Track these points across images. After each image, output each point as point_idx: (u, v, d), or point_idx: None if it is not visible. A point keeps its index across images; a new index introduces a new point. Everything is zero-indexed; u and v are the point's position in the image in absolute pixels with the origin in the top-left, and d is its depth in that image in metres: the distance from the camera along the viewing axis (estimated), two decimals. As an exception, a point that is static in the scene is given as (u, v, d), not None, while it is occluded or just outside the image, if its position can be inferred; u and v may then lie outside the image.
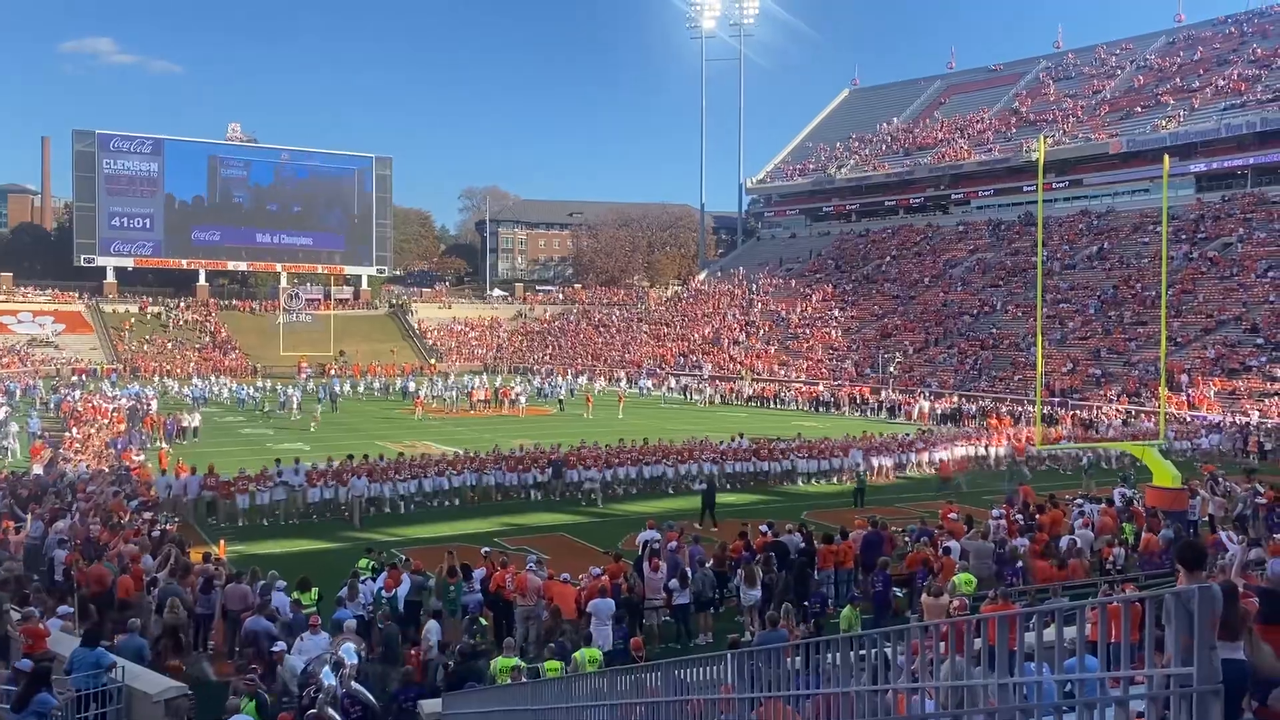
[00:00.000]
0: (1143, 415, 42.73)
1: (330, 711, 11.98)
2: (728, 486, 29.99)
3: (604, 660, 12.14)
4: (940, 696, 4.84)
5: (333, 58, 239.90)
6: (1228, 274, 57.37)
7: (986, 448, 35.54)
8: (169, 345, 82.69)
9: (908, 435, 36.39)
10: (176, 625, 14.57)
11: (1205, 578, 5.94)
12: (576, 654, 12.50)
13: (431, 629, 13.62)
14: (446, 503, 27.68)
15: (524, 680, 11.23)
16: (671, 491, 29.52)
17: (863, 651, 5.61)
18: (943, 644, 5.40)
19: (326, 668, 12.99)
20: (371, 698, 11.80)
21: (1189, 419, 41.98)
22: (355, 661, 12.98)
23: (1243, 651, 6.46)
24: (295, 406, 51.53)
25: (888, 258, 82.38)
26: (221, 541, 22.05)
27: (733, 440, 33.12)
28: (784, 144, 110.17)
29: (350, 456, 28.15)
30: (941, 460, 33.04)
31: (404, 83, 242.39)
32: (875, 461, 32.28)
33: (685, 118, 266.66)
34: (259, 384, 62.17)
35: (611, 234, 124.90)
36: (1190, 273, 58.78)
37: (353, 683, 12.26)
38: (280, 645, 13.10)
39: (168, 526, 21.06)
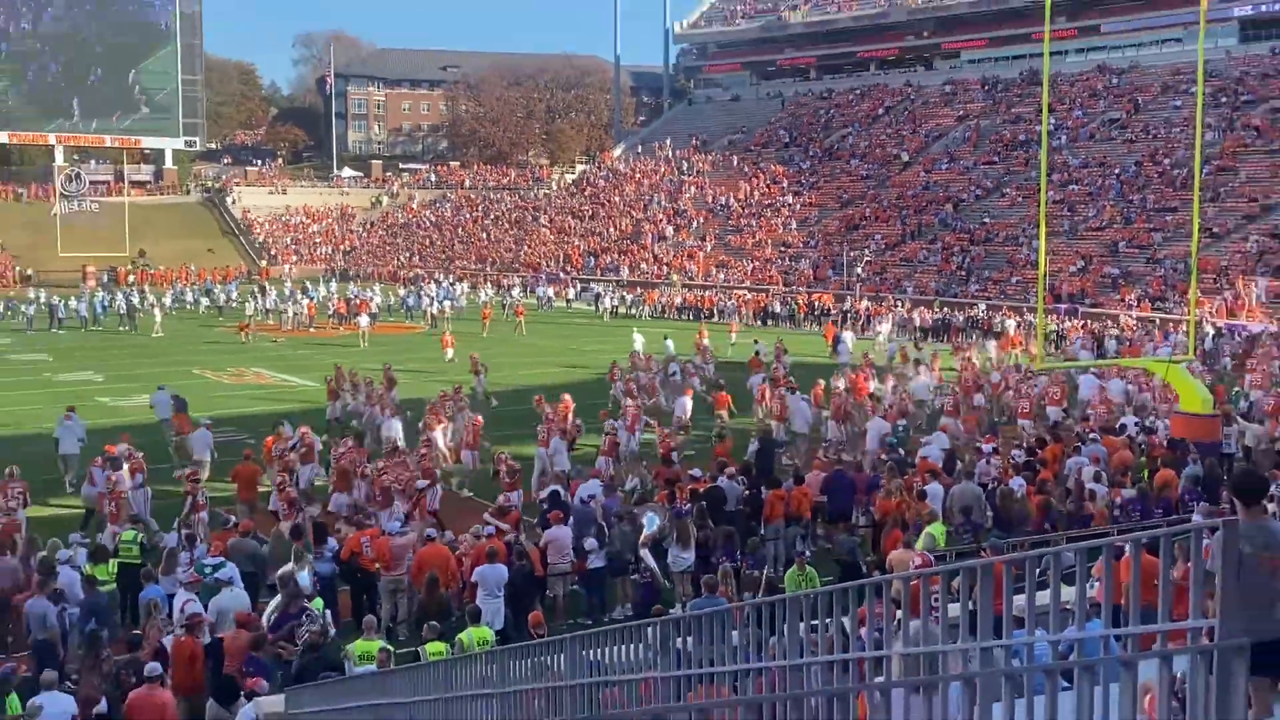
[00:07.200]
0: (1169, 325, 37.19)
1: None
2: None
3: (496, 642, 10.24)
4: (902, 666, 4.56)
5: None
6: (1277, 147, 50.53)
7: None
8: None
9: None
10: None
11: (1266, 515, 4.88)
12: (461, 635, 10.42)
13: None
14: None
15: (393, 667, 9.56)
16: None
17: (823, 620, 5.04)
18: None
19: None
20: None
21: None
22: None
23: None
24: (158, 321, 44.14)
25: (855, 125, 73.69)
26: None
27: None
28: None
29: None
30: None
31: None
32: None
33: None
34: (31, 297, 50.67)
35: (499, 95, 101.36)
36: (1231, 145, 51.73)
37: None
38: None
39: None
